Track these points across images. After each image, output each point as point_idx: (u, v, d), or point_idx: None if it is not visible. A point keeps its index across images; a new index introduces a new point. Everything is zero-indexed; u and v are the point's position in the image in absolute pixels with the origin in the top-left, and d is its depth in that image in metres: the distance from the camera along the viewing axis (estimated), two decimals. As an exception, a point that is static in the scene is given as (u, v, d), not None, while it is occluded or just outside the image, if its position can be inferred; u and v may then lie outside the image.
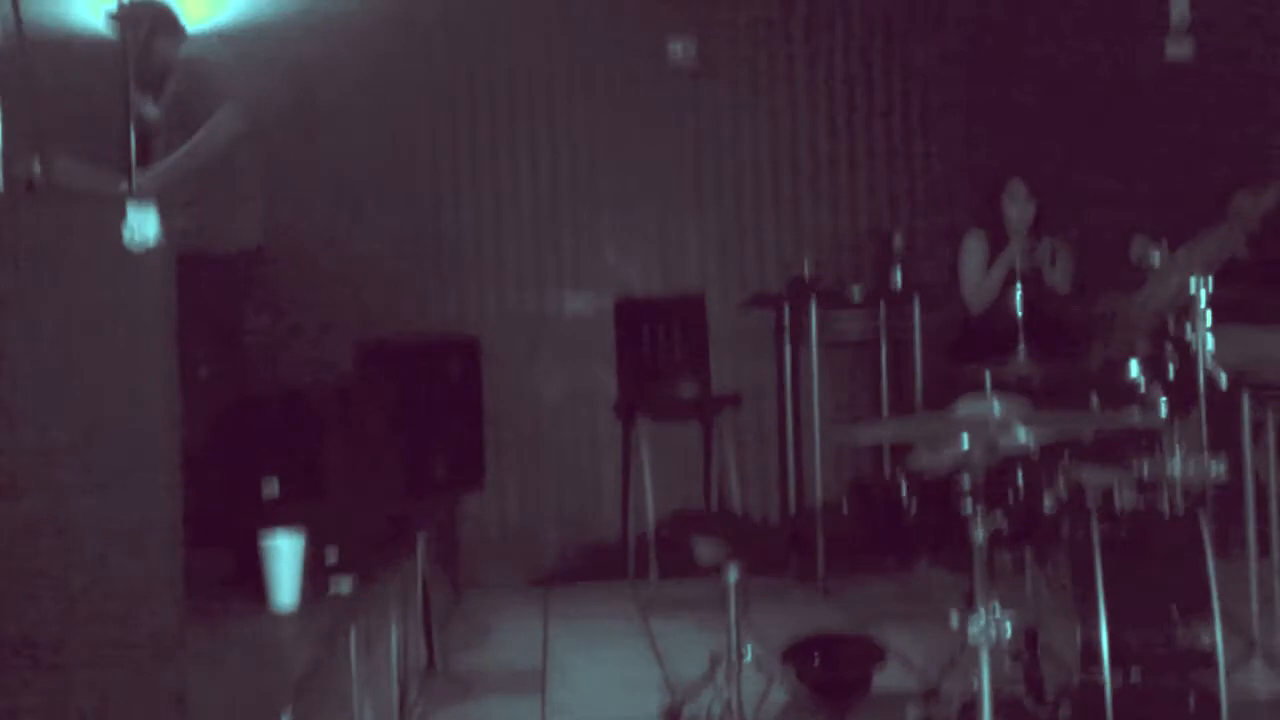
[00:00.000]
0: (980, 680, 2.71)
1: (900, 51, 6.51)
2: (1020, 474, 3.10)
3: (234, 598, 3.32)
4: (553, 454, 6.40)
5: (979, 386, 2.79)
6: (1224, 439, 3.80)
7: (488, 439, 5.83)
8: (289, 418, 3.65)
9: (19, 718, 2.09)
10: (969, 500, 2.73)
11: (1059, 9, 6.51)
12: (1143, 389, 3.57)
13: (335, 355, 5.52)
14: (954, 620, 2.76)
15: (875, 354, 6.31)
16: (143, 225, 2.15)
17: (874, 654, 3.87)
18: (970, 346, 5.50)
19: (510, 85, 6.37)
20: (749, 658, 3.40)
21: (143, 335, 2.18)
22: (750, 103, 6.47)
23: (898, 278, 6.04)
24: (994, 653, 2.74)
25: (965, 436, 2.73)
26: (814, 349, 5.92)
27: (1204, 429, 3.49)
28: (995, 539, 2.81)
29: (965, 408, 3.06)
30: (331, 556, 3.48)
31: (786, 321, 6.28)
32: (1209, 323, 3.47)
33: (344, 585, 3.42)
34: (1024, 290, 4.38)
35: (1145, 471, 3.40)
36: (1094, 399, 3.65)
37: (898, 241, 6.08)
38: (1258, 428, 4.34)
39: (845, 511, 5.51)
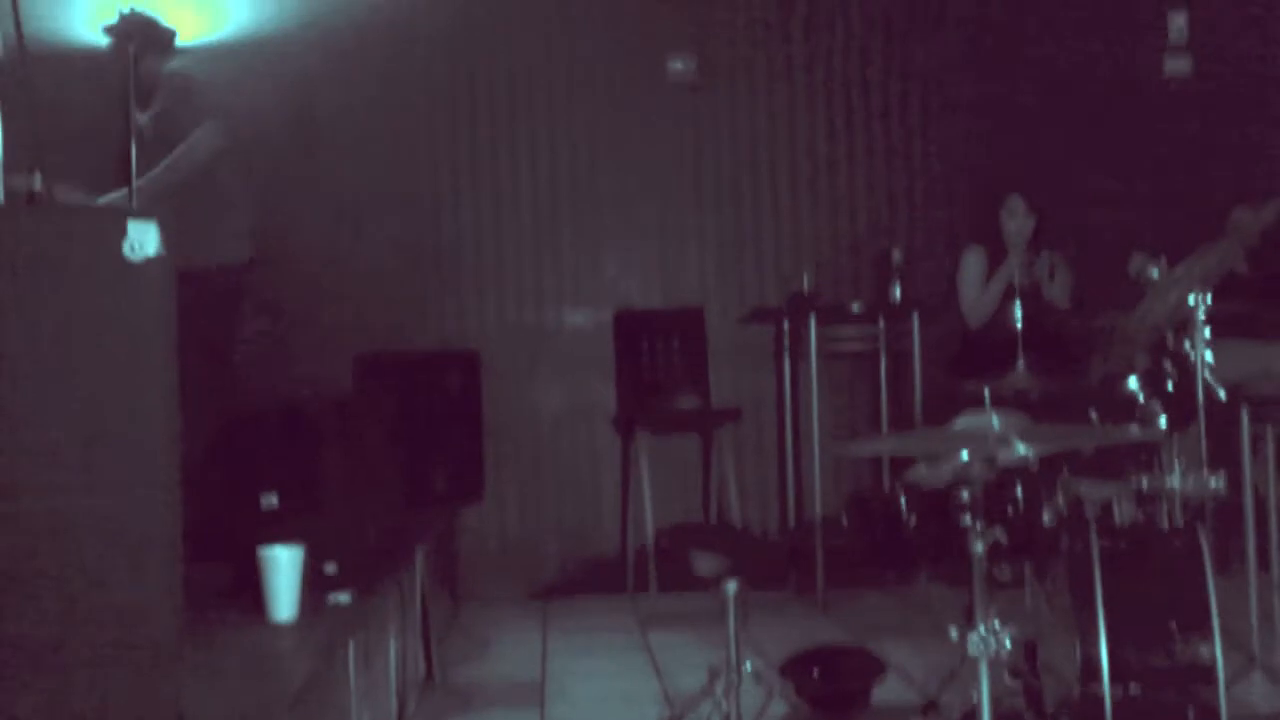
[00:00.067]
0: (980, 694, 2.71)
1: (900, 53, 6.52)
2: (1019, 488, 3.10)
3: (233, 609, 3.32)
4: (552, 467, 6.40)
5: (978, 401, 2.79)
6: (1223, 453, 3.81)
7: (487, 452, 5.84)
8: (289, 430, 3.65)
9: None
10: (968, 514, 2.73)
11: (1059, 9, 6.52)
12: (1142, 403, 3.57)
13: (335, 368, 5.53)
14: (953, 634, 2.75)
15: (874, 368, 6.31)
16: (143, 239, 2.16)
17: (873, 668, 3.87)
18: (969, 361, 5.50)
19: (509, 94, 6.39)
20: (748, 671, 3.39)
21: (142, 345, 2.19)
22: (749, 112, 6.49)
23: (897, 292, 6.04)
24: (993, 666, 2.74)
25: (964, 450, 2.73)
26: (813, 363, 5.93)
27: (1203, 443, 3.49)
28: (994, 553, 2.80)
29: (964, 422, 3.06)
30: (330, 569, 3.47)
31: (786, 335, 6.28)
32: (1208, 337, 3.47)
33: (343, 597, 3.42)
34: (1023, 305, 4.38)
35: (1144, 486, 3.40)
36: (1093, 413, 3.65)
37: (897, 256, 6.08)
38: (1257, 442, 4.35)
39: (844, 525, 5.49)
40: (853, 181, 6.53)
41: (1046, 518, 3.14)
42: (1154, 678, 3.15)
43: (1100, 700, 3.09)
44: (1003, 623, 2.72)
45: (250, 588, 3.26)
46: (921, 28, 6.54)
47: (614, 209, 6.46)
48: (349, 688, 3.10)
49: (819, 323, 5.93)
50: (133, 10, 4.83)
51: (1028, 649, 3.37)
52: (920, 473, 3.24)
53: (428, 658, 4.50)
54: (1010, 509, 3.08)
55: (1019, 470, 3.07)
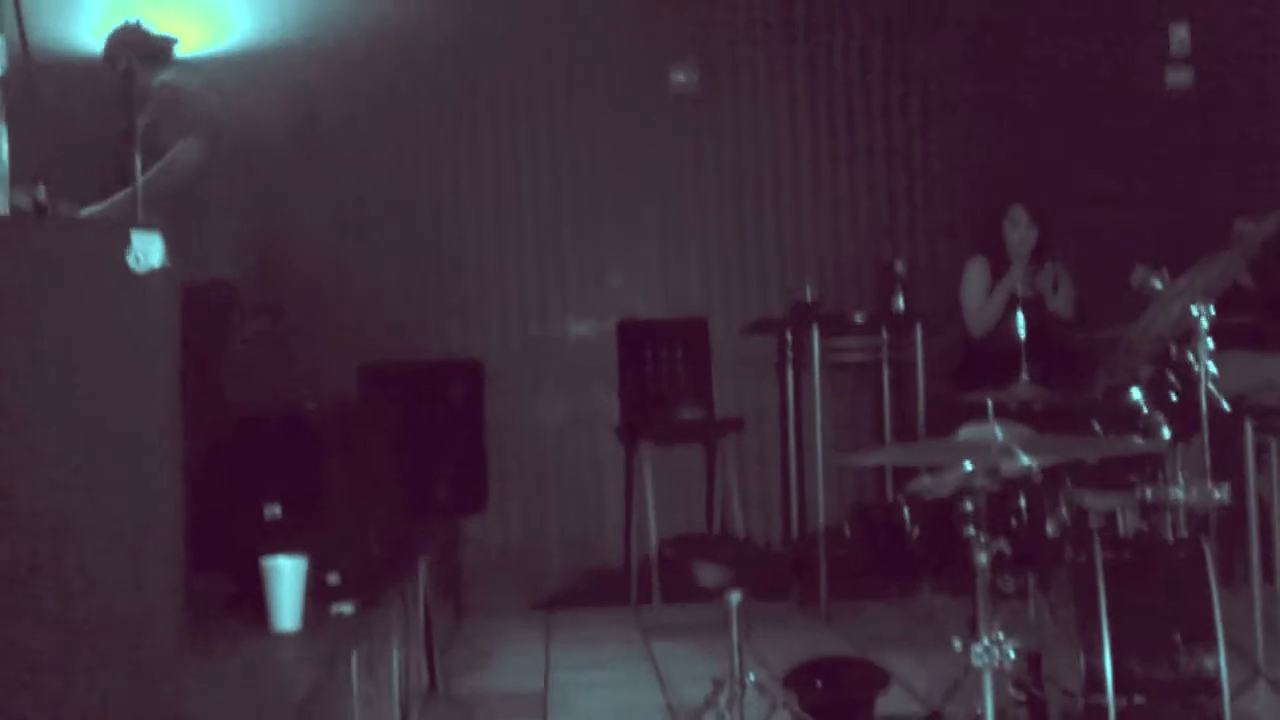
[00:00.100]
0: (983, 706, 2.71)
1: (900, 53, 6.53)
2: (1023, 499, 3.10)
3: (235, 620, 3.31)
4: (555, 477, 6.40)
5: (982, 412, 2.79)
6: (1227, 465, 3.80)
7: (490, 462, 5.84)
8: (292, 440, 3.64)
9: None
10: (972, 525, 2.73)
11: (1059, 9, 6.53)
12: (1145, 414, 3.57)
13: (339, 378, 5.53)
14: (957, 645, 2.75)
15: (878, 379, 6.31)
16: (147, 250, 2.17)
17: (877, 679, 3.86)
18: (973, 372, 5.50)
19: (512, 104, 6.40)
20: (751, 682, 3.39)
21: (146, 356, 2.20)
22: (751, 120, 6.49)
23: (900, 302, 6.05)
24: (997, 678, 2.73)
25: (968, 461, 2.73)
26: (816, 373, 5.93)
27: (1207, 454, 3.48)
28: (998, 564, 2.80)
29: (968, 433, 3.06)
30: (333, 579, 3.47)
31: (789, 346, 6.28)
32: (1211, 349, 3.47)
33: (346, 608, 3.42)
34: (1026, 316, 4.39)
35: (1148, 497, 3.40)
36: (1096, 424, 3.65)
37: (900, 266, 6.09)
38: (1260, 453, 4.34)
39: (847, 536, 5.50)
40: (854, 186, 6.52)
41: (1050, 529, 3.14)
42: (1158, 689, 3.15)
43: (1104, 712, 3.09)
44: (1006, 634, 2.71)
45: (253, 598, 3.26)
46: (921, 28, 6.54)
47: (617, 219, 6.46)
48: (352, 698, 3.10)
49: (822, 333, 5.93)
50: (126, 22, 4.84)
51: (1031, 660, 3.36)
52: (923, 483, 3.24)
53: (431, 669, 4.50)
54: (1014, 520, 3.08)
55: (1022, 481, 3.07)
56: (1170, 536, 3.41)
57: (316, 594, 3.32)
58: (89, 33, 5.55)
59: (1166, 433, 3.50)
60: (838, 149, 6.53)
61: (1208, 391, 3.45)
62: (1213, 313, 3.46)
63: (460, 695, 4.60)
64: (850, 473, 6.28)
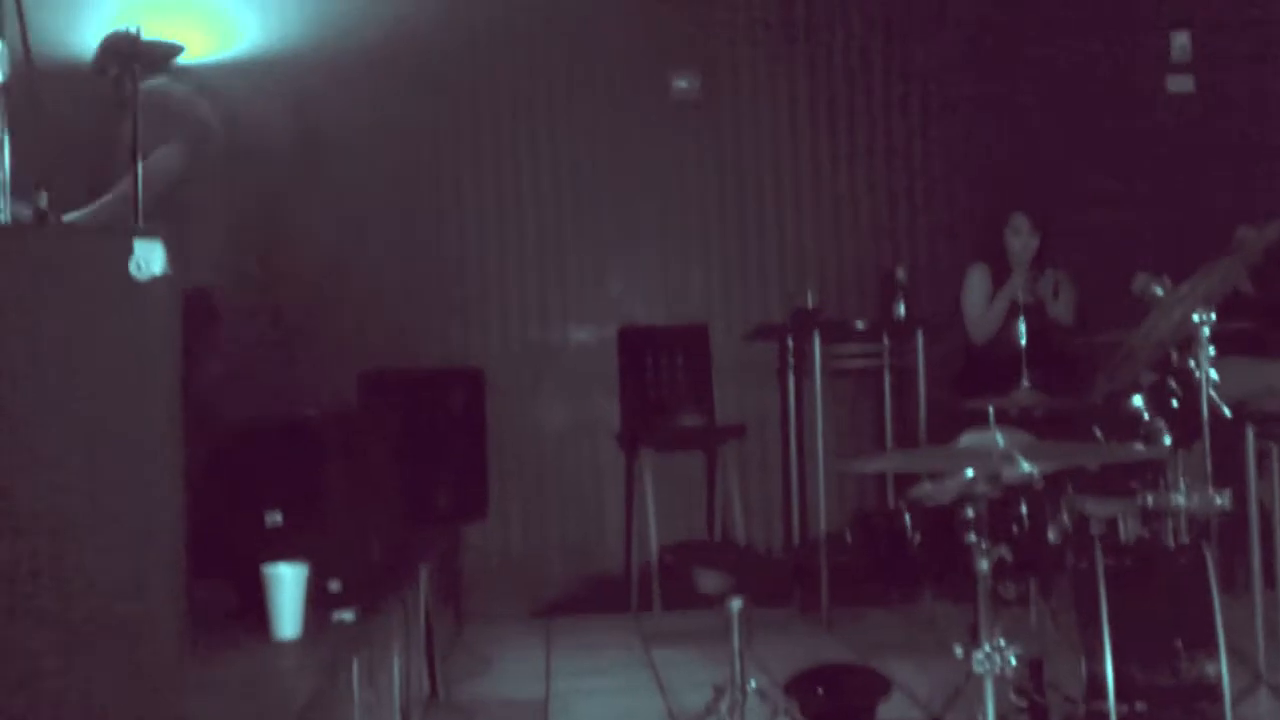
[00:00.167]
0: (985, 712, 2.71)
1: (900, 53, 6.53)
2: (1024, 505, 3.10)
3: (237, 627, 3.31)
4: (556, 484, 6.39)
5: (983, 419, 2.80)
6: (1228, 471, 3.80)
7: (491, 469, 5.83)
8: (293, 447, 3.64)
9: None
10: (973, 531, 2.73)
11: (1059, 9, 6.53)
12: (1146, 421, 3.57)
13: (339, 385, 5.53)
14: (958, 652, 2.75)
15: (879, 385, 6.31)
16: (149, 258, 2.17)
17: (878, 685, 3.85)
18: (974, 378, 5.51)
19: (513, 111, 6.40)
20: (752, 689, 3.39)
21: (148, 362, 2.20)
22: (753, 127, 6.49)
23: (901, 309, 6.05)
24: (998, 684, 2.73)
25: (969, 468, 2.73)
26: (817, 380, 5.93)
27: (1208, 461, 3.48)
28: (999, 570, 2.80)
29: (969, 440, 3.06)
30: (334, 586, 3.47)
31: (790, 352, 6.28)
32: (1212, 355, 3.47)
33: (347, 615, 3.42)
34: (1027, 322, 4.39)
35: (1149, 503, 3.40)
36: (1098, 431, 3.65)
37: (901, 273, 6.09)
38: (1261, 459, 4.34)
39: (849, 542, 5.49)
40: (854, 186, 6.52)
41: (1051, 535, 3.14)
42: (1159, 696, 3.15)
43: (1106, 718, 3.08)
44: (1008, 640, 2.71)
45: (254, 605, 3.26)
46: (921, 28, 6.55)
47: (617, 220, 6.46)
48: (353, 705, 3.10)
49: (823, 340, 5.93)
50: (120, 30, 4.83)
51: (1033, 667, 3.36)
52: (925, 490, 3.24)
53: (431, 676, 4.49)
54: (1015, 526, 3.08)
55: (1024, 488, 3.07)
56: (1171, 543, 3.41)
57: (317, 601, 3.32)
58: (92, 40, 5.54)
59: (1168, 439, 3.50)
60: (838, 149, 6.53)
61: (1209, 398, 3.46)
62: (1213, 319, 3.47)
63: (461, 702, 4.60)
64: (851, 479, 6.27)
